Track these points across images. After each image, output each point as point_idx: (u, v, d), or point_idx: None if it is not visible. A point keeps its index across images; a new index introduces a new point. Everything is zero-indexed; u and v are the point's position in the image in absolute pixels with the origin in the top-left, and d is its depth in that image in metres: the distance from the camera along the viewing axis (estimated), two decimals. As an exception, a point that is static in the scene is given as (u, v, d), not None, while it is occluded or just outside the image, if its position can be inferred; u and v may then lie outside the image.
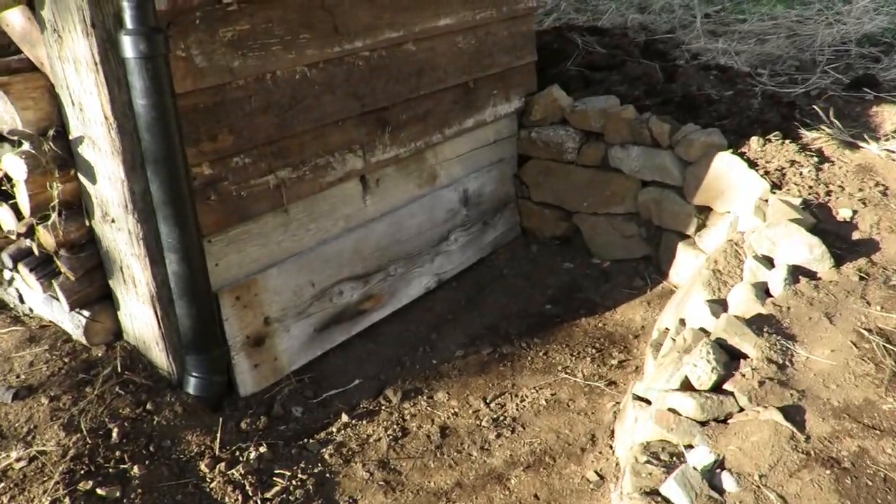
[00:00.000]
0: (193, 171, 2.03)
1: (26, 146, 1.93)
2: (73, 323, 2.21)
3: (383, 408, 2.28)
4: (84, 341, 2.20)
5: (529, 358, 2.50)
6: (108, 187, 1.97)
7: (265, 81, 2.16)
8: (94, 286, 2.16)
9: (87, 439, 1.91)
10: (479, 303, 2.85)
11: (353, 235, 2.55)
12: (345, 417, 2.21)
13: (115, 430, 1.96)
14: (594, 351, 2.53)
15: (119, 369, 2.11)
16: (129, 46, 1.75)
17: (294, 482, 1.96)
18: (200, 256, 2.01)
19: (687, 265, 2.81)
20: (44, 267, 2.12)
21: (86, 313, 2.17)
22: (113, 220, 2.02)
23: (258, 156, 2.20)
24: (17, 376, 2.12)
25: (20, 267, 2.15)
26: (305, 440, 2.12)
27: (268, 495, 1.91)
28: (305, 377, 2.39)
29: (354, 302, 2.58)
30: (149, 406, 2.05)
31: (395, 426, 2.20)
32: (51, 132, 1.95)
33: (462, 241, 3.01)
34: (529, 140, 3.25)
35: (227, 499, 1.88)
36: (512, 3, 3.03)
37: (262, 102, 2.16)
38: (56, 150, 1.96)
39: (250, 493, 1.91)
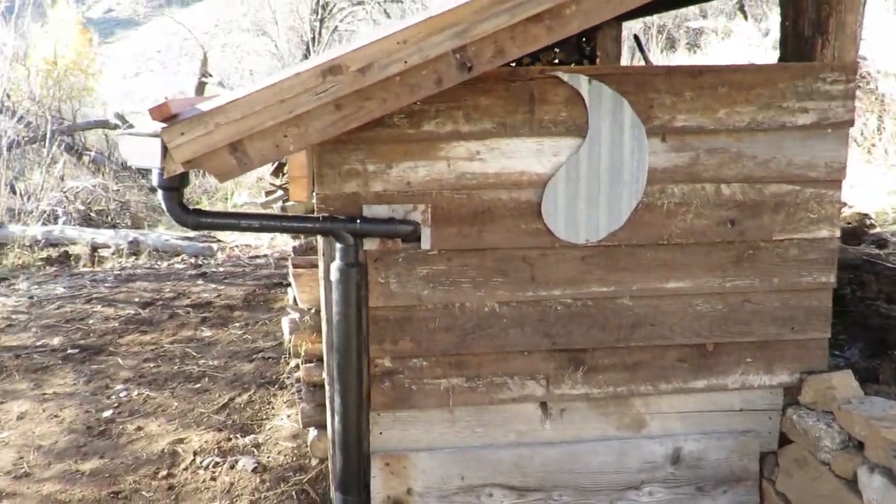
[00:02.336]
0: (375, 362, 2.74)
1: (295, 315, 2.94)
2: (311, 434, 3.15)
3: None
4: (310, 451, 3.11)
5: None
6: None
7: (451, 309, 2.73)
8: (322, 417, 3.05)
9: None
10: (637, 566, 2.75)
11: (518, 450, 2.85)
12: None
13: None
14: None
15: (305, 482, 2.94)
16: (332, 271, 2.59)
17: None
18: (356, 424, 2.69)
19: None
20: (300, 393, 3.11)
21: (314, 432, 3.07)
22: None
23: (435, 362, 2.77)
24: (268, 455, 3.15)
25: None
26: None
27: None
28: (432, 551, 2.81)
29: (504, 508, 2.86)
30: (298, 518, 2.82)
31: None
32: (313, 310, 2.93)
33: (660, 496, 2.92)
34: (791, 421, 2.90)
35: None
36: (790, 275, 2.84)
37: (446, 324, 2.73)
38: (311, 322, 2.92)
39: None
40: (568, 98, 2.60)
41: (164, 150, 2.12)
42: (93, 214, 9.19)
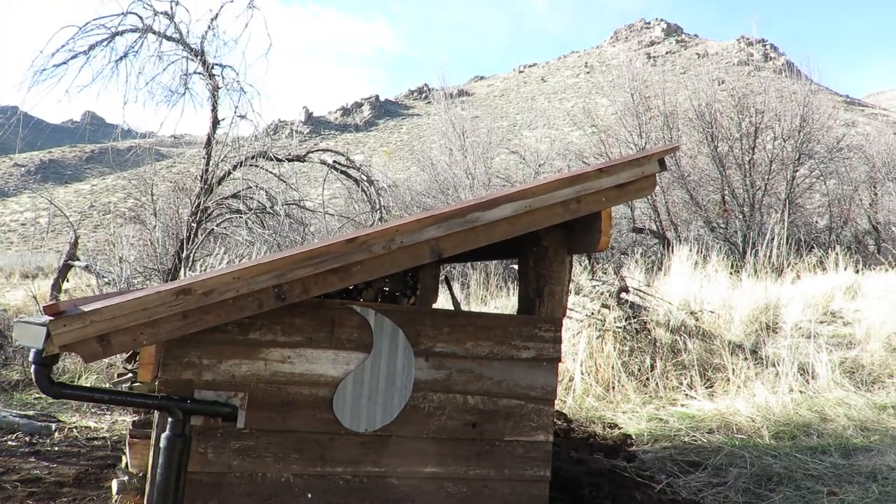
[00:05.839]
0: (187, 520, 3.39)
1: (125, 478, 3.58)
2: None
3: None
4: None
5: None
6: (145, 512, 3.45)
7: (255, 477, 3.48)
8: (134, 570, 3.57)
9: None
10: None
11: None
12: None
13: None
14: None
15: None
16: (162, 440, 3.31)
17: None
18: (162, 571, 3.27)
19: None
20: (118, 548, 3.64)
21: (124, 586, 3.57)
22: (141, 532, 3.46)
23: (237, 522, 3.45)
24: None
25: (115, 544, 3.71)
26: None
27: None
28: None
29: None
30: None
31: None
32: (140, 473, 3.58)
33: None
34: (515, 587, 3.73)
35: None
36: (518, 468, 3.82)
37: (249, 490, 3.46)
38: (138, 484, 3.55)
39: None
40: (359, 324, 3.63)
41: (48, 335, 2.90)
42: (-75, 387, 9.08)
